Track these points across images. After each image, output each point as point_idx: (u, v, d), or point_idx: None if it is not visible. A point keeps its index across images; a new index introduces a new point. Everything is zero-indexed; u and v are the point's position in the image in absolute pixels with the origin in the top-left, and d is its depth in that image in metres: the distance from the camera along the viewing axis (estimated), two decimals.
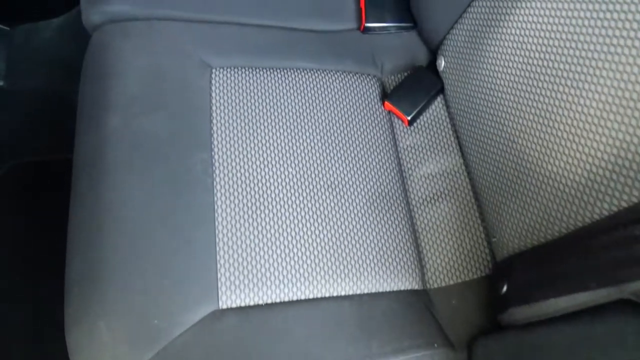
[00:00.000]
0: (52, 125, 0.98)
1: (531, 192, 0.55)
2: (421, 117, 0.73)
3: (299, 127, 0.68)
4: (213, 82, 0.69)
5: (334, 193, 0.65)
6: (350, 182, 0.66)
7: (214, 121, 0.66)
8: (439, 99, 0.74)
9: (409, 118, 0.71)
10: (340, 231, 0.63)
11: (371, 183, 0.67)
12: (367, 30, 0.77)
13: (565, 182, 0.51)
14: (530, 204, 0.55)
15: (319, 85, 0.72)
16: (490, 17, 0.62)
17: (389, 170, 0.69)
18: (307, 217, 0.63)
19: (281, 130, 0.67)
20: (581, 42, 0.50)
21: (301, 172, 0.65)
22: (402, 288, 0.62)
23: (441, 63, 0.72)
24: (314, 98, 0.71)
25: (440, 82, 0.72)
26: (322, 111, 0.70)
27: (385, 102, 0.72)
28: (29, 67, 0.99)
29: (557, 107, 0.52)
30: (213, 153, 0.64)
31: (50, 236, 0.71)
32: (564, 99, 0.51)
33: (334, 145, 0.68)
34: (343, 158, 0.67)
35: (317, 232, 0.62)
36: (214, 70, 0.69)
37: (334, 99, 0.71)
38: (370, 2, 0.76)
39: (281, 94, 0.70)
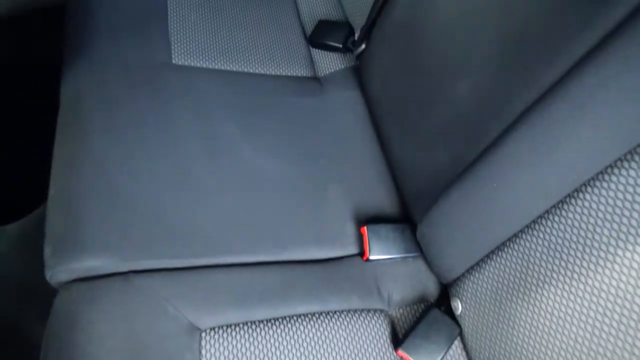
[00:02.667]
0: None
1: None
2: None
3: None
4: (203, 351, 0.59)
5: None
6: None
7: None
8: (456, 342, 0.66)
9: None
10: None
11: None
12: (370, 260, 0.70)
13: None
14: None
15: (324, 337, 0.63)
16: (517, 278, 0.56)
17: None
18: None
19: None
20: None
21: None
22: None
23: (457, 307, 0.65)
24: (319, 355, 0.62)
25: (457, 327, 0.65)
26: None
27: (398, 350, 0.64)
28: None
29: None
30: None
31: None
32: None
33: None
34: None
35: None
36: (203, 335, 0.60)
37: (341, 352, 0.63)
38: (372, 231, 0.70)
39: (282, 356, 0.60)
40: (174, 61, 0.81)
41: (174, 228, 0.65)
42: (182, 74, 0.81)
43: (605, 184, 0.47)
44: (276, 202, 0.72)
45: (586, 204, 0.49)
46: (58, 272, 0.61)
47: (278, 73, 0.88)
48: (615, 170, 0.46)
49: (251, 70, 0.86)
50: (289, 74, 0.89)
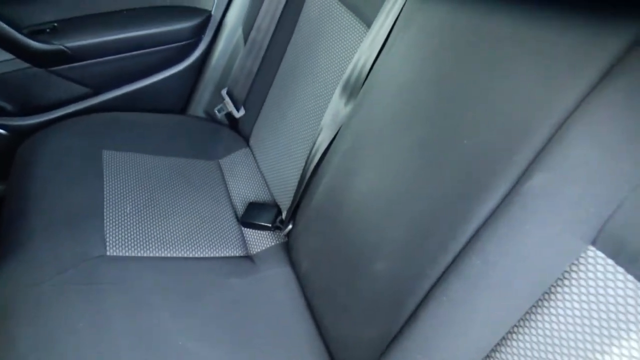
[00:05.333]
0: None
1: None
2: None
3: None
4: None
5: None
6: None
7: None
8: None
9: None
10: None
11: None
12: None
13: None
14: None
15: None
16: None
17: None
18: None
19: None
20: None
21: None
22: None
23: None
24: None
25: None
26: None
27: None
28: None
29: None
30: None
31: None
32: None
33: None
34: None
35: None
36: None
37: None
38: None
39: None
40: (108, 253, 0.84)
41: None
42: (117, 266, 0.83)
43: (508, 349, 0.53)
44: None
45: None
46: None
47: (212, 255, 0.92)
48: (516, 337, 0.53)
49: (186, 255, 0.90)
50: (223, 254, 0.94)
